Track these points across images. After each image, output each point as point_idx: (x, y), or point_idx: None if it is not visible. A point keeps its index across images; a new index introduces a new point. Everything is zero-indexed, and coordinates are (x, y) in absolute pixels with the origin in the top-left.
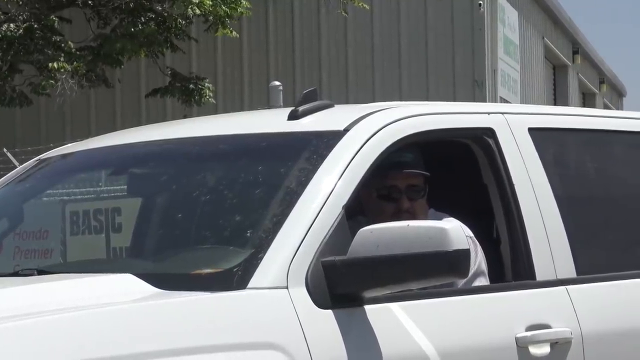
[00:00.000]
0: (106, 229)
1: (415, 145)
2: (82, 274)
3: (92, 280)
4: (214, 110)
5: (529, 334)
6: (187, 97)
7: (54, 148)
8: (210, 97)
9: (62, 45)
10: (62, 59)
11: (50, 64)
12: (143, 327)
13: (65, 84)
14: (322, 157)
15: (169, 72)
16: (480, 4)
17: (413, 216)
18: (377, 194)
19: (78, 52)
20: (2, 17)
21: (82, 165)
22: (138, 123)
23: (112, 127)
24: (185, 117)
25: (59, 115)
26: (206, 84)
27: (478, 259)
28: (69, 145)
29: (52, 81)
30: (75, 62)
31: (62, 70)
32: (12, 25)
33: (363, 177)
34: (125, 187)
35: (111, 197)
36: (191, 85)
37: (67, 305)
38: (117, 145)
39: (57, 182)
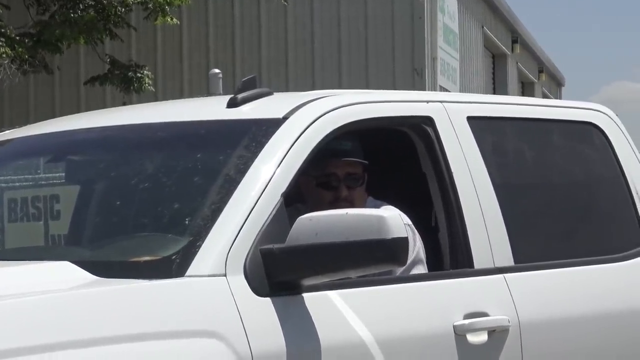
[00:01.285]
0: (44, 216)
1: (355, 133)
2: (20, 262)
3: (29, 268)
4: (154, 97)
5: (466, 322)
6: (126, 85)
7: None
8: (149, 85)
9: (2, 30)
10: (2, 44)
11: None
12: (81, 315)
13: (8, 69)
14: (260, 145)
15: (108, 60)
16: None
17: (351, 204)
18: (316, 182)
19: (18, 38)
20: None
21: (21, 152)
22: (77, 110)
23: (51, 115)
24: (124, 104)
25: None
26: (145, 72)
27: (416, 247)
28: (7, 132)
29: None
30: (16, 48)
31: (5, 55)
32: None
33: (302, 165)
34: (64, 174)
35: (49, 185)
36: (130, 73)
37: (4, 293)
38: (56, 132)
39: None
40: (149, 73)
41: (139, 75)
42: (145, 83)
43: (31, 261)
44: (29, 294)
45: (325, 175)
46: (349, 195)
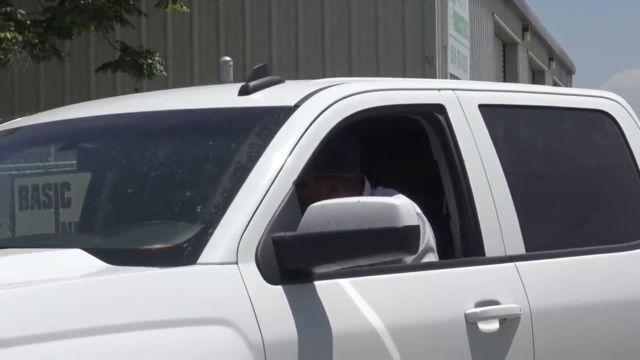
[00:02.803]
0: (55, 203)
1: (364, 119)
2: (31, 249)
3: (41, 255)
4: (164, 85)
5: (478, 310)
6: (137, 72)
7: (3, 122)
8: (161, 70)
9: (13, 15)
10: (12, 29)
11: (1, 34)
12: (92, 302)
13: (19, 54)
14: (272, 133)
15: (119, 46)
16: None
17: (349, 192)
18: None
19: (29, 22)
20: None
21: (32, 140)
22: (87, 97)
23: (62, 102)
24: (136, 91)
25: (8, 89)
26: (156, 58)
27: (426, 236)
28: (19, 119)
29: (4, 50)
30: (26, 33)
31: (14, 40)
32: None
33: (313, 153)
34: (75, 161)
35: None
36: (141, 60)
37: (16, 280)
38: (67, 120)
39: (6, 157)
40: (160, 59)
41: (149, 61)
42: (156, 69)
43: (43, 248)
44: (41, 281)
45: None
46: (339, 194)
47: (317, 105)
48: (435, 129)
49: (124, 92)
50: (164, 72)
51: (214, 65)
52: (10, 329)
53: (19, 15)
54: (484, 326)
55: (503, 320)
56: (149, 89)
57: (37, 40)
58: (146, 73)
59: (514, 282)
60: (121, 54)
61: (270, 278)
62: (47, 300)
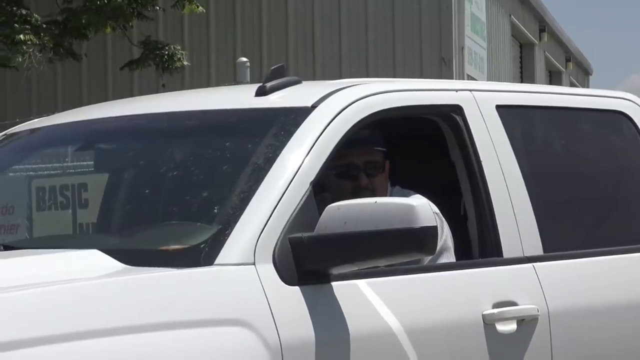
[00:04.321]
0: (73, 204)
1: (382, 122)
2: (49, 250)
3: (58, 256)
4: (181, 85)
5: (495, 311)
6: (162, 64)
7: (20, 123)
8: (184, 61)
9: (29, 18)
10: (28, 32)
11: (17, 36)
12: (110, 303)
13: (33, 57)
14: (289, 134)
15: (142, 41)
16: None
17: (373, 193)
18: (336, 172)
19: (45, 26)
20: None
21: (49, 141)
22: (105, 98)
23: (79, 103)
24: (163, 86)
25: (26, 90)
26: (179, 50)
27: (444, 236)
28: (36, 120)
29: (21, 53)
30: (42, 35)
31: (30, 42)
32: None
33: (330, 153)
34: (92, 162)
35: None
36: (165, 51)
37: (34, 281)
38: (85, 121)
39: (24, 158)
40: (183, 52)
41: (172, 52)
42: (178, 59)
43: (60, 249)
44: (59, 282)
45: (344, 165)
46: (369, 183)
47: (335, 106)
48: (452, 130)
49: (142, 92)
50: (186, 62)
51: (230, 66)
52: (28, 329)
53: (34, 19)
54: (501, 327)
55: (521, 321)
56: (170, 86)
57: (52, 44)
58: (169, 65)
59: (532, 283)
60: (144, 50)
61: (287, 279)
62: (65, 302)
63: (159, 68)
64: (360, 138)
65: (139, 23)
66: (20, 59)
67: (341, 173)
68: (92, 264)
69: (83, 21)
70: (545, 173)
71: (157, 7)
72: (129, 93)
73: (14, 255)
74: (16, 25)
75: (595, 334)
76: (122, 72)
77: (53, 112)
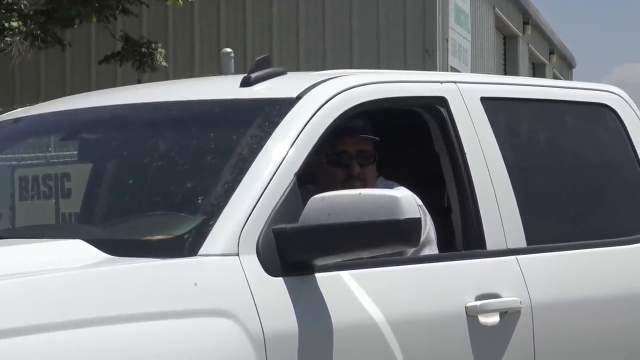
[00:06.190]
0: (56, 194)
1: (368, 113)
2: (32, 240)
3: (41, 246)
4: (165, 77)
5: (478, 303)
6: (140, 62)
7: (3, 113)
8: (162, 61)
9: (15, 6)
10: (15, 19)
11: (5, 23)
12: (93, 293)
13: (20, 45)
14: (274, 125)
15: (122, 37)
16: None
17: (364, 182)
18: (327, 160)
19: (31, 13)
20: None
21: (32, 130)
22: (88, 89)
23: (62, 93)
24: (138, 82)
25: (9, 80)
26: (159, 49)
27: (427, 228)
28: (19, 110)
29: (8, 39)
30: (29, 23)
31: (17, 30)
32: None
33: (315, 145)
34: (76, 152)
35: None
36: (143, 49)
37: (16, 271)
38: (68, 111)
39: (7, 147)
40: (162, 50)
41: (151, 51)
42: (157, 59)
43: (43, 239)
44: (42, 272)
45: (336, 153)
46: (360, 172)
47: (319, 97)
48: (437, 122)
49: (125, 83)
50: (165, 64)
51: (214, 57)
52: (9, 319)
53: (22, 5)
54: (484, 319)
55: (504, 313)
56: (150, 81)
57: (39, 32)
58: (148, 64)
59: (515, 276)
60: (124, 44)
61: (271, 270)
62: (47, 291)
63: (138, 67)
64: (354, 127)
65: (123, 17)
66: (5, 43)
67: (333, 161)
68: (76, 253)
69: (70, 12)
70: (529, 166)
71: (142, 2)
72: (113, 83)
73: None
74: (3, 11)
75: (577, 327)
76: (108, 63)
77: (36, 102)
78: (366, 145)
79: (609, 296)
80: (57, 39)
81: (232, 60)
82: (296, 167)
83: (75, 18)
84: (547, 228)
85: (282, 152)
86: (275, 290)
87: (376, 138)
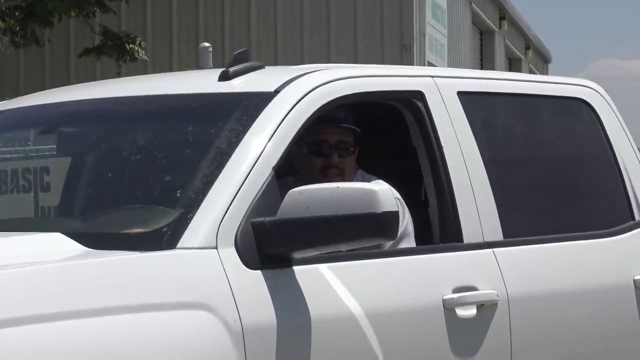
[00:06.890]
0: (35, 188)
1: (344, 105)
2: (11, 232)
3: (21, 239)
4: (144, 70)
5: (455, 295)
6: (120, 55)
7: None
8: (142, 55)
9: None
10: None
11: None
12: (71, 286)
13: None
14: (252, 118)
15: (101, 31)
16: None
17: (342, 173)
18: (308, 150)
19: (8, 11)
20: None
21: (11, 124)
22: (67, 83)
23: (42, 87)
24: (118, 75)
25: None
26: (138, 42)
27: (405, 221)
28: None
29: None
30: (7, 20)
31: None
32: None
33: (293, 138)
34: (55, 146)
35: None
36: (123, 42)
37: None
38: (47, 104)
39: None
40: (143, 43)
41: (131, 46)
42: (138, 53)
43: (23, 232)
44: (21, 264)
45: (316, 142)
46: (339, 162)
47: (297, 91)
48: (414, 116)
49: (104, 78)
50: (145, 57)
51: (193, 52)
52: None
53: (1, 1)
54: (461, 312)
55: (480, 306)
56: (129, 74)
57: (17, 28)
58: (128, 56)
59: (492, 268)
60: (103, 38)
61: (249, 263)
62: (26, 284)
63: (118, 58)
64: (335, 117)
65: (102, 11)
66: None
67: (313, 151)
68: (55, 247)
69: (48, 7)
70: (505, 159)
71: None
72: (92, 78)
73: None
74: None
75: (554, 319)
76: (88, 56)
77: (15, 97)
78: (346, 136)
79: (585, 288)
80: (35, 38)
81: (211, 55)
82: (274, 161)
83: (52, 13)
84: (524, 221)
85: (260, 146)
86: (253, 283)
87: (357, 129)
